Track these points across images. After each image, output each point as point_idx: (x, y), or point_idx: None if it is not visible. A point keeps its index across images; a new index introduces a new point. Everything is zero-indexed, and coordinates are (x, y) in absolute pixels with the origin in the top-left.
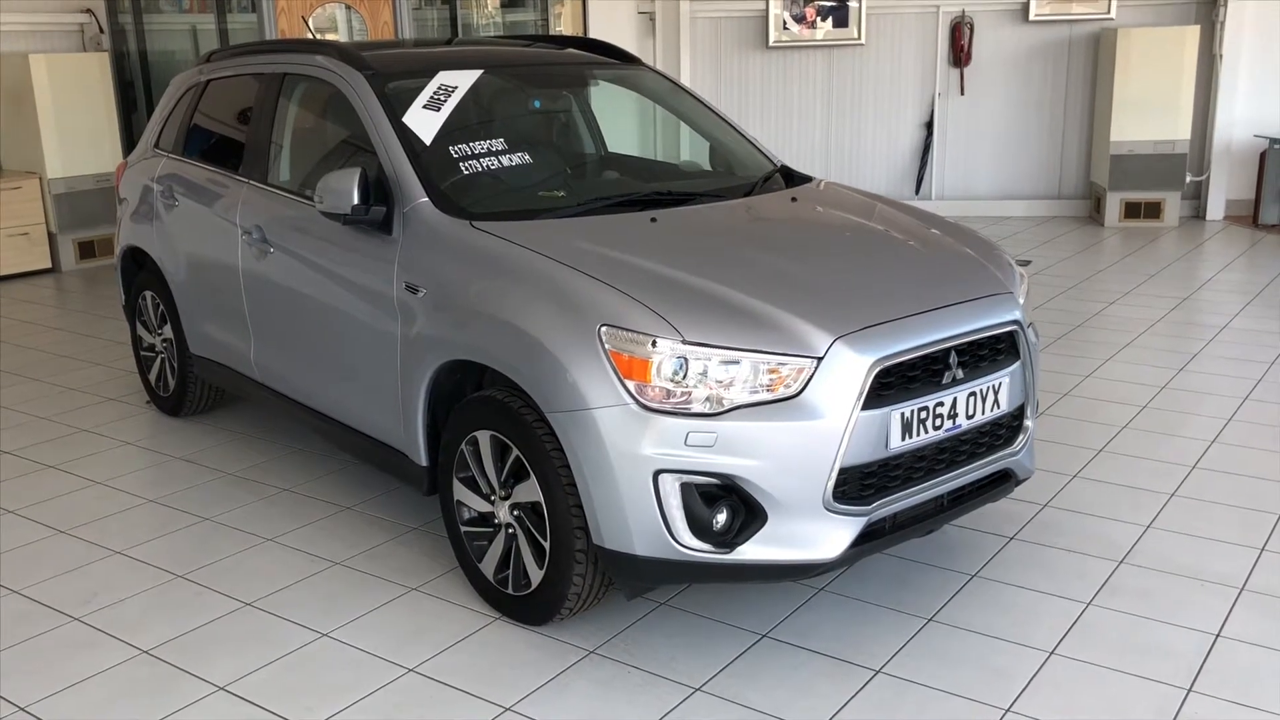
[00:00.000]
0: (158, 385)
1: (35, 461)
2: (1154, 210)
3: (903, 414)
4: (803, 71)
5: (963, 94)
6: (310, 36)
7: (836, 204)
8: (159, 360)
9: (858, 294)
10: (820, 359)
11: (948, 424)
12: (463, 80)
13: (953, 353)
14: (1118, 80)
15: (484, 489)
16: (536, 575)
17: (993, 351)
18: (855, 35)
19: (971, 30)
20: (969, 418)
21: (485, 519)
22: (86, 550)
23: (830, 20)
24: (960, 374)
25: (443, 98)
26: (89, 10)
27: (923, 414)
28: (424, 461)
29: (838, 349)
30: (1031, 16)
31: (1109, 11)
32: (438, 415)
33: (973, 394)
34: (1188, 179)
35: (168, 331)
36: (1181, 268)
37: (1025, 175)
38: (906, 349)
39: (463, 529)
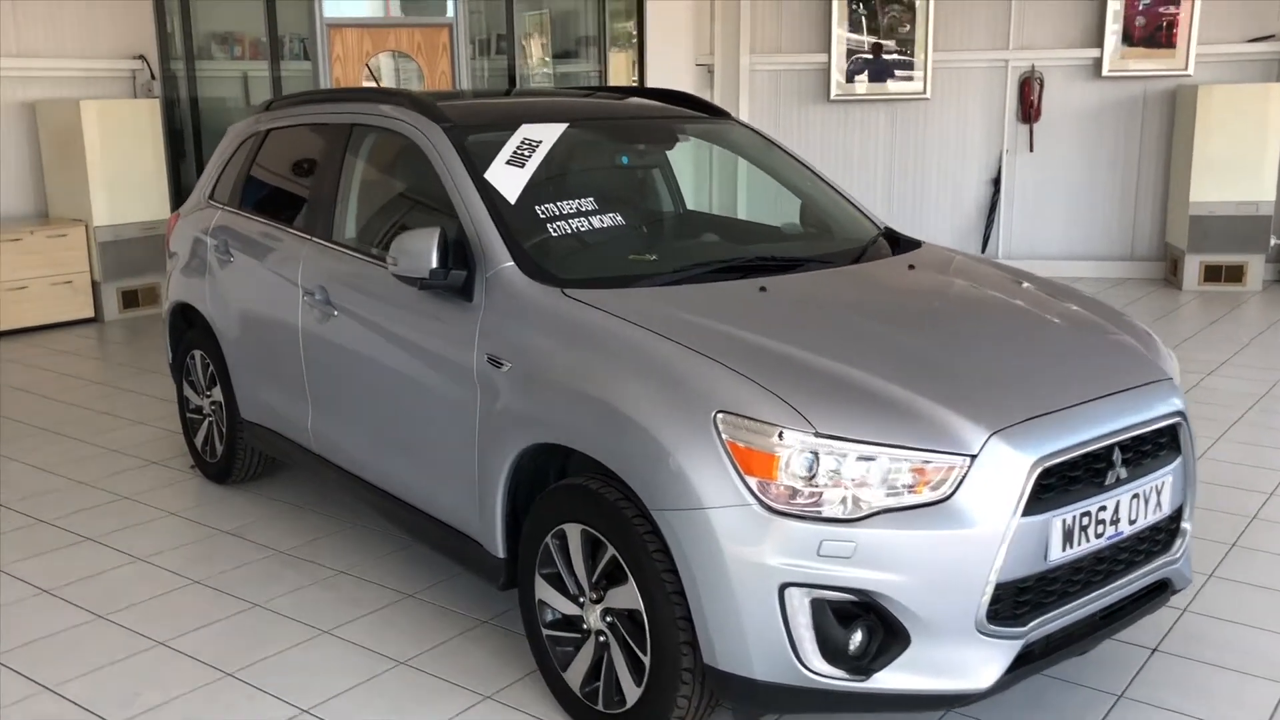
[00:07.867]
0: (204, 450)
1: (73, 533)
2: (1236, 274)
3: (1064, 520)
4: (865, 125)
5: (1031, 150)
6: (375, 84)
7: (959, 273)
8: (206, 423)
9: (1008, 381)
10: (974, 456)
11: (1110, 530)
12: (548, 134)
13: (1116, 449)
14: (1198, 139)
15: (571, 589)
16: (633, 693)
17: (1155, 446)
18: (920, 89)
19: (1041, 85)
20: (1131, 522)
21: (572, 623)
22: (127, 640)
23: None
24: (1124, 473)
25: (527, 153)
26: (141, 56)
27: (1085, 520)
28: (501, 553)
29: (994, 445)
30: (1104, 72)
31: (1186, 68)
32: (517, 501)
33: (1135, 495)
34: (1272, 241)
35: (217, 394)
36: (1275, 336)
37: (1097, 235)
38: (1069, 445)
39: (545, 631)
